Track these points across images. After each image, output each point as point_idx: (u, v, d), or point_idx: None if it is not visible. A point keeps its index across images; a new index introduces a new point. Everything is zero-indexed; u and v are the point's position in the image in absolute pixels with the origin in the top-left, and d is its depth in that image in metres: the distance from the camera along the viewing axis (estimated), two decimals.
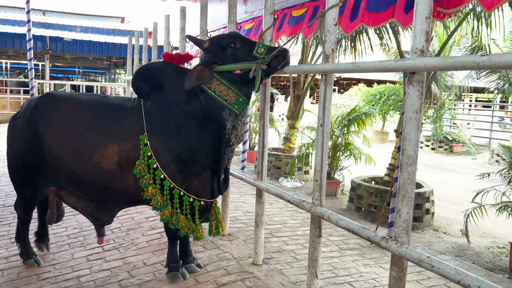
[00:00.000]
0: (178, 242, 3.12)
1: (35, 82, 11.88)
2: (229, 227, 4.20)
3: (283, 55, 2.65)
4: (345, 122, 6.52)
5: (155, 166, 2.73)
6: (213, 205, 3.02)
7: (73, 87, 15.79)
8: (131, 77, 7.47)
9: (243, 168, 7.14)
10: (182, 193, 2.80)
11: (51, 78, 20.00)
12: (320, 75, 2.44)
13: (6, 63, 18.81)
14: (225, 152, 2.83)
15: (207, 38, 3.12)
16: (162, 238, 3.80)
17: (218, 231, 3.02)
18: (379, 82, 19.75)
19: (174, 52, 3.23)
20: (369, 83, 21.83)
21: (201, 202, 2.87)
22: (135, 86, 2.88)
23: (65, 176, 2.95)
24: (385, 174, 5.71)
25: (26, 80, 15.89)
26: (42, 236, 3.55)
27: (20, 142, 3.02)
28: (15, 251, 3.53)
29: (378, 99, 14.23)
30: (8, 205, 5.05)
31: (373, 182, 5.89)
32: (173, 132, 2.77)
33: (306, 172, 7.73)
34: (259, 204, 3.21)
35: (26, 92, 14.59)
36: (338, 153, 6.59)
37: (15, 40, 13.82)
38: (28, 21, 8.01)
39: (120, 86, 17.42)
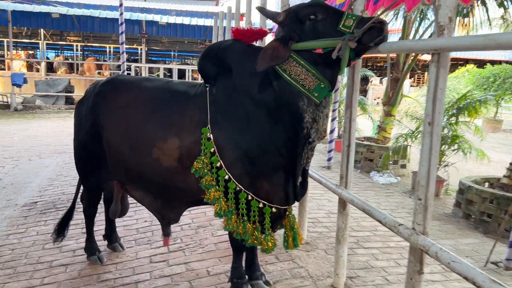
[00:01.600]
0: (244, 254, 2.68)
1: (132, 65, 12.30)
2: (308, 232, 3.66)
3: (379, 28, 2.00)
4: (454, 111, 5.54)
5: (218, 164, 2.28)
6: (288, 213, 2.51)
7: (169, 70, 16.21)
8: None
9: (329, 159, 6.54)
10: (250, 197, 2.32)
11: (149, 61, 20.87)
12: (431, 55, 1.77)
13: (109, 47, 19.97)
14: (302, 150, 2.28)
15: None
16: None
17: (296, 243, 2.50)
18: (492, 62, 17.45)
19: None
20: (479, 63, 19.46)
21: (273, 208, 2.38)
22: (200, 69, 2.46)
23: (124, 171, 2.66)
24: (504, 176, 4.70)
25: (127, 64, 16.69)
26: (110, 236, 3.35)
27: (84, 130, 2.82)
28: (84, 244, 3.38)
29: (492, 82, 12.45)
30: None
31: (486, 184, 4.92)
32: (240, 124, 2.29)
33: (403, 166, 6.85)
34: (342, 216, 2.61)
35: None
36: (443, 147, 5.65)
37: (115, 25, 14.38)
38: (120, 5, 8.17)
39: None
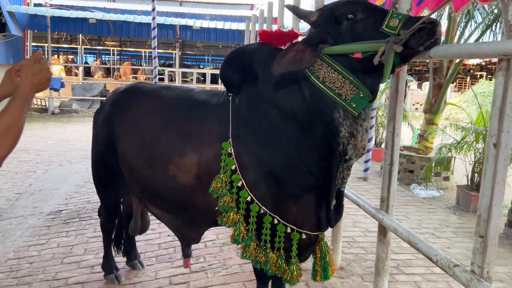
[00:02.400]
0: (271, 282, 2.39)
1: (163, 70, 12.29)
2: (342, 254, 3.33)
3: (430, 29, 1.67)
4: None
5: (239, 184, 2.00)
6: (319, 239, 2.21)
7: (203, 75, 16.15)
8: None
9: (366, 170, 6.11)
10: (276, 221, 2.04)
11: (183, 66, 20.97)
12: (497, 61, 1.44)
13: (145, 52, 20.20)
14: (337, 169, 1.98)
15: None
16: None
17: (326, 275, 2.19)
18: None
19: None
20: None
21: (303, 234, 2.08)
22: (222, 76, 2.19)
23: (137, 187, 2.44)
24: None
25: (161, 68, 16.80)
26: (130, 252, 3.15)
27: (100, 142, 2.64)
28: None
29: None
30: None
31: None
32: (266, 139, 2.00)
33: (446, 179, 6.36)
34: (383, 245, 2.28)
35: (160, 79, 15.40)
36: None
37: (150, 29, 14.48)
38: (153, 9, 8.10)
39: None
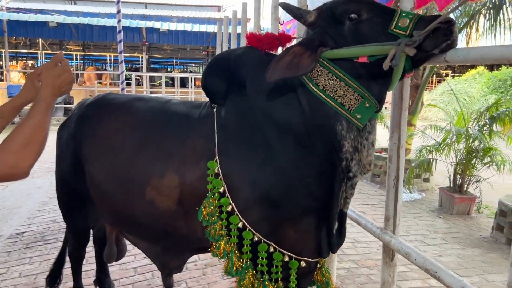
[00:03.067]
0: None
1: (130, 74, 11.81)
2: (336, 271, 3.11)
3: (447, 30, 1.46)
4: (486, 120, 5.00)
5: (229, 208, 1.74)
6: (320, 265, 1.98)
7: (171, 79, 15.73)
8: None
9: None
10: (272, 249, 1.79)
11: (150, 69, 20.42)
12: None
13: (110, 56, 19.53)
14: (340, 188, 1.74)
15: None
16: None
17: None
18: (502, 65, 16.84)
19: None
20: (490, 66, 18.89)
21: (302, 262, 1.84)
22: (204, 85, 1.92)
23: (110, 215, 2.14)
24: None
25: (128, 73, 16.27)
26: (103, 281, 2.82)
27: (65, 162, 2.29)
28: None
29: (510, 85, 11.86)
30: None
31: None
32: (258, 155, 1.74)
33: (426, 180, 6.28)
34: (389, 268, 2.07)
35: (127, 84, 14.87)
36: (474, 160, 5.11)
37: (115, 33, 13.97)
38: (118, 11, 7.74)
39: None
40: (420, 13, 1.70)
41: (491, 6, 5.33)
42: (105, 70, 20.74)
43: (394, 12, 1.57)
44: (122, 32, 8.13)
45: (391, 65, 1.49)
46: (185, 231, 1.93)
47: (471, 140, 5.04)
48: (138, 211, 1.95)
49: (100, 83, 17.01)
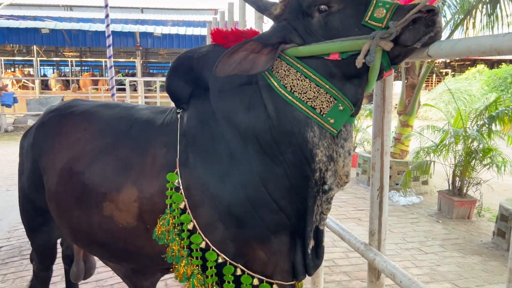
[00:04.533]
0: None
1: (124, 79, 11.65)
2: (324, 283, 2.90)
3: (429, 20, 1.25)
4: (485, 120, 4.79)
5: (191, 226, 1.55)
6: None
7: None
8: None
9: None
10: (239, 272, 1.59)
11: (148, 74, 20.27)
12: None
13: (105, 62, 19.34)
14: (314, 202, 1.54)
15: None
16: None
17: None
18: (499, 62, 16.61)
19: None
20: (491, 64, 18.67)
21: (273, 286, 1.63)
22: (168, 88, 1.73)
23: (68, 231, 1.94)
24: None
25: (122, 78, 16.11)
26: None
27: (25, 174, 2.12)
28: None
29: (510, 83, 11.63)
30: None
31: None
32: (220, 167, 1.55)
33: (425, 183, 6.06)
34: (374, 287, 1.86)
35: (122, 89, 14.69)
36: (473, 162, 4.89)
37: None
38: (106, 16, 7.58)
39: None
40: (399, 3, 1.48)
41: (487, 0, 5.13)
42: (101, 76, 20.56)
43: (370, 2, 1.36)
44: (111, 37, 7.97)
45: (365, 62, 1.29)
46: (149, 250, 1.74)
47: (469, 140, 4.82)
48: (97, 228, 1.76)
49: (96, 89, 16.86)
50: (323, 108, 1.41)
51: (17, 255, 3.80)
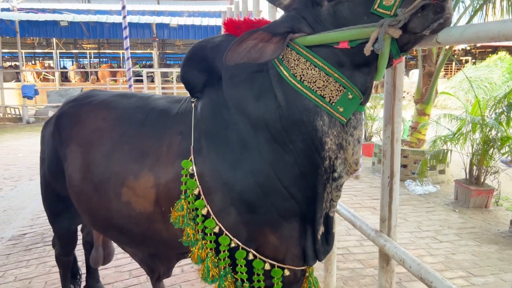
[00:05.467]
0: None
1: (141, 70, 11.79)
2: (338, 270, 2.94)
3: (438, 6, 1.26)
4: (504, 108, 4.71)
5: (205, 211, 1.60)
6: (308, 274, 1.81)
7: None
8: None
9: None
10: (251, 257, 1.63)
11: (165, 65, 20.38)
12: None
13: (123, 53, 19.55)
14: (324, 189, 1.57)
15: None
16: None
17: None
18: None
19: None
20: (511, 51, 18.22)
21: (285, 270, 1.68)
22: (182, 77, 1.77)
23: (87, 217, 2.02)
24: None
25: (140, 69, 16.26)
26: (93, 287, 2.73)
27: (46, 162, 2.22)
28: None
29: None
30: None
31: None
32: (232, 155, 1.59)
33: (442, 172, 6.01)
34: (385, 274, 1.89)
35: (139, 81, 14.84)
36: (491, 150, 4.83)
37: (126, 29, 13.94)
38: (123, 7, 7.64)
39: None
40: None
41: None
42: (120, 67, 20.77)
43: None
44: (127, 28, 8.02)
45: (374, 49, 1.30)
46: (165, 235, 1.81)
47: (487, 129, 4.76)
48: (115, 213, 1.84)
49: (115, 80, 17.06)
50: (332, 97, 1.43)
51: (40, 241, 3.93)
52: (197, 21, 13.84)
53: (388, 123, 1.78)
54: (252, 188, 1.58)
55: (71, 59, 25.61)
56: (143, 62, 22.80)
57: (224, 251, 1.62)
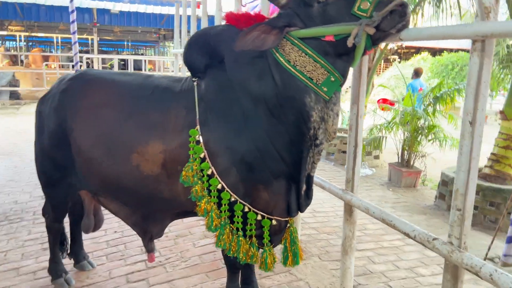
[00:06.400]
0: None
1: (78, 56, 11.54)
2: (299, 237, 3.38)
3: (401, 12, 1.71)
4: (430, 100, 5.44)
5: (209, 172, 1.94)
6: (289, 225, 2.21)
7: (124, 61, 15.41)
8: (181, 50, 6.69)
9: None
10: (246, 209, 2.00)
11: (100, 52, 19.80)
12: (472, 42, 1.51)
13: (57, 38, 18.73)
14: (308, 154, 1.97)
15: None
16: (217, 252, 3.06)
17: (296, 260, 2.20)
18: (440, 51, 17.87)
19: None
20: (433, 52, 19.96)
21: (273, 221, 2.07)
22: (186, 60, 2.09)
23: (98, 181, 2.26)
24: (486, 166, 4.65)
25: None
26: (77, 253, 2.92)
27: (46, 134, 2.39)
28: (46, 263, 2.93)
29: (451, 69, 12.69)
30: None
31: None
32: (235, 124, 1.95)
33: (376, 157, 6.73)
34: (349, 224, 2.35)
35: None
36: (419, 137, 5.55)
37: (63, 13, 13.42)
38: None
39: (170, 59, 17.01)
40: None
41: None
42: (51, 52, 19.84)
43: None
44: (75, 12, 7.91)
45: (354, 42, 1.71)
46: (168, 195, 2.11)
47: (415, 118, 5.47)
48: (124, 176, 2.11)
49: (47, 65, 16.32)
50: (319, 79, 1.83)
51: (4, 219, 3.96)
52: (141, 8, 13.70)
53: (355, 103, 2.22)
54: (250, 152, 1.94)
55: None
56: (80, 48, 21.90)
57: (225, 204, 1.98)
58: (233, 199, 1.98)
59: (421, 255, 3.33)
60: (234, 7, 4.01)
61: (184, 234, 3.44)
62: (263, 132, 1.93)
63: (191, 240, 3.31)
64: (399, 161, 5.85)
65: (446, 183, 4.63)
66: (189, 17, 6.06)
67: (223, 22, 2.11)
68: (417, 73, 7.82)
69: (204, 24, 5.35)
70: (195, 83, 2.06)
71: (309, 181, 2.11)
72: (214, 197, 1.98)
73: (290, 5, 1.87)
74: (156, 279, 2.75)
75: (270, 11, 3.13)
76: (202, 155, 1.95)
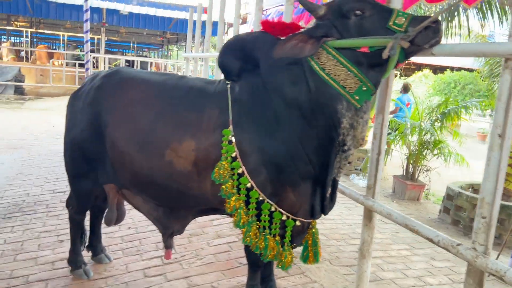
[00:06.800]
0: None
1: (90, 55, 11.67)
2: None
3: (435, 28, 1.81)
4: (438, 116, 5.56)
5: (240, 171, 2.03)
6: (311, 226, 2.29)
7: (127, 62, 15.49)
8: (192, 54, 6.80)
9: None
10: (273, 209, 2.09)
11: (106, 52, 19.89)
12: (504, 60, 1.61)
13: (63, 35, 18.80)
14: (335, 158, 2.06)
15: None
16: (232, 251, 3.14)
17: (317, 259, 2.29)
18: (442, 69, 18.09)
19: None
20: (434, 70, 20.22)
21: (297, 222, 2.15)
22: (221, 62, 2.19)
23: (129, 175, 2.34)
24: None
25: (82, 53, 15.79)
26: (95, 246, 2.99)
27: (79, 127, 2.46)
28: (63, 255, 3.00)
29: (453, 87, 12.88)
30: (58, 191, 4.60)
31: (470, 189, 4.96)
32: (267, 126, 2.04)
33: None
34: (368, 230, 2.43)
35: (81, 65, 14.44)
36: (425, 152, 5.66)
37: (72, 12, 13.55)
38: None
39: (177, 63, 17.12)
40: (414, 14, 2.02)
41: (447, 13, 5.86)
42: (54, 49, 19.90)
43: (392, 11, 1.90)
44: (89, 11, 8.05)
45: (389, 54, 1.81)
46: (197, 191, 2.19)
47: (423, 133, 5.57)
48: (156, 171, 2.19)
49: (53, 62, 16.39)
50: (351, 87, 1.92)
51: (17, 211, 4.01)
52: (151, 11, 13.83)
53: (380, 112, 2.32)
54: (280, 154, 2.03)
55: (3, 36, 23.93)
56: (82, 47, 21.96)
57: (253, 203, 2.06)
58: (261, 198, 2.06)
59: (428, 265, 3.41)
60: (255, 16, 4.13)
61: (197, 233, 3.50)
62: (294, 135, 2.02)
63: (205, 239, 3.38)
64: (404, 173, 5.95)
65: (451, 197, 4.72)
66: (203, 22, 6.20)
67: (243, 28, 2.21)
68: (405, 89, 8.00)
69: (208, 31, 5.50)
70: (228, 86, 2.16)
71: (335, 185, 2.19)
72: (243, 195, 2.05)
73: (328, 16, 1.97)
74: (173, 274, 2.82)
75: (295, 17, 3.23)
76: (233, 154, 2.03)
